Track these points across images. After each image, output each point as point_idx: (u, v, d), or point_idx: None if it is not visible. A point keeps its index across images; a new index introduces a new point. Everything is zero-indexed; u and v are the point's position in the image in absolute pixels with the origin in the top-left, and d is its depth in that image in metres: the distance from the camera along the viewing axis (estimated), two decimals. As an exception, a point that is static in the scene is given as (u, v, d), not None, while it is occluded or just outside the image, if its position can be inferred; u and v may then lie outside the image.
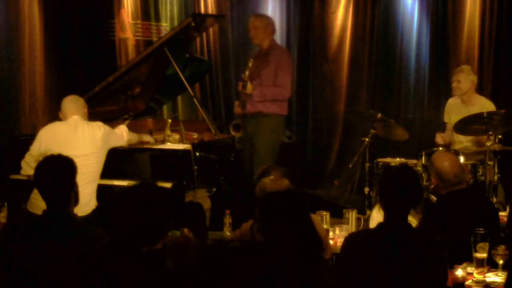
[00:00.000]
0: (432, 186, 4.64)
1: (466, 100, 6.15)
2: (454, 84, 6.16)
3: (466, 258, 3.67)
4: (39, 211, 4.58)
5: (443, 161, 4.33)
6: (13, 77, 6.22)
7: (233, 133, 6.18)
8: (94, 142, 4.87)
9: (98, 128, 4.94)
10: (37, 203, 4.74)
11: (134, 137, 5.37)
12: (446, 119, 6.39)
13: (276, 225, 3.12)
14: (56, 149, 4.78)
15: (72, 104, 5.03)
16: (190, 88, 5.84)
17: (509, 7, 6.87)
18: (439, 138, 6.28)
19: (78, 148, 4.72)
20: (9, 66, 6.26)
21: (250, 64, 6.34)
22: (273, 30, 6.57)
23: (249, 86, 6.31)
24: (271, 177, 4.04)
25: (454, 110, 6.17)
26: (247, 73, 6.34)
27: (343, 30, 7.81)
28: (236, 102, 6.56)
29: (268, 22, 6.55)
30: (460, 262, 3.65)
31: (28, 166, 4.97)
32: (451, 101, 6.37)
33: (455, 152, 5.75)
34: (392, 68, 7.66)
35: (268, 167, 4.46)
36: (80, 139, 4.85)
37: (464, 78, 6.11)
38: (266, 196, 3.49)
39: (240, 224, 4.26)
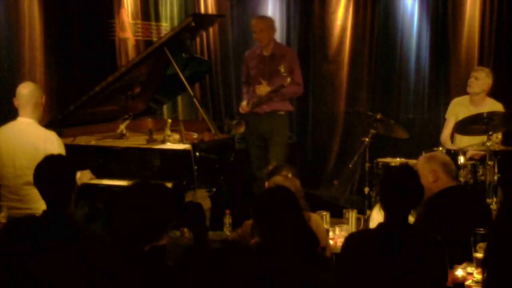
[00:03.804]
0: None
1: (476, 101, 6.08)
2: (471, 80, 6.09)
3: (466, 258, 3.68)
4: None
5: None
6: (13, 77, 6.20)
7: (234, 129, 6.23)
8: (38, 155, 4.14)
9: (51, 143, 4.67)
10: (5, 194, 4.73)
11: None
12: (449, 115, 6.29)
13: (269, 224, 3.12)
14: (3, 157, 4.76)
15: (30, 104, 4.86)
16: (190, 88, 5.84)
17: (509, 7, 6.87)
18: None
19: (22, 157, 4.60)
20: (9, 66, 6.24)
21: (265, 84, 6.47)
22: (275, 29, 6.74)
23: (264, 85, 6.43)
24: (283, 173, 4.06)
25: (463, 110, 6.08)
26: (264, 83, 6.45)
27: (343, 30, 7.81)
28: (245, 102, 6.58)
29: (271, 22, 6.70)
30: (459, 262, 3.65)
31: None
32: (459, 100, 6.29)
33: (455, 152, 5.74)
34: (392, 68, 7.66)
35: (279, 165, 4.48)
36: (28, 151, 4.66)
37: (483, 77, 6.06)
38: (256, 196, 3.50)
39: (240, 224, 4.26)
